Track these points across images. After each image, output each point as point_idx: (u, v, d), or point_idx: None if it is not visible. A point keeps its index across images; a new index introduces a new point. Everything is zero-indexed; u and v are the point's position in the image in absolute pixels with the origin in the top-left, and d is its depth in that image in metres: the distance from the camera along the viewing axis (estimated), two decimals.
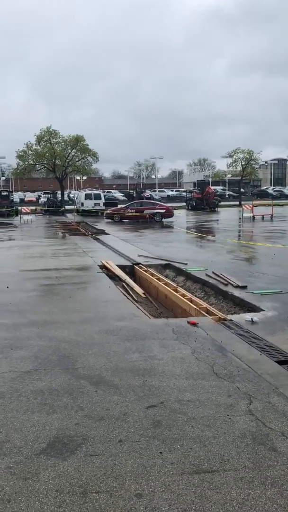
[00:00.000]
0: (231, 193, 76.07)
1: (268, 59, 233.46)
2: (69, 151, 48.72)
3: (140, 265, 12.96)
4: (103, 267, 12.57)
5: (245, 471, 3.38)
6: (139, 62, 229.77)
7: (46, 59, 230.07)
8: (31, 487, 3.20)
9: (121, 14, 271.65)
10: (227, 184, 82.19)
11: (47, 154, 47.29)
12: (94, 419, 4.15)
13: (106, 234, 23.33)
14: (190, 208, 45.85)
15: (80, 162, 50.46)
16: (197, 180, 52.25)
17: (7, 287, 9.97)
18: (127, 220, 32.02)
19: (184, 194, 68.92)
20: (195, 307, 8.41)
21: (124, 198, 65.31)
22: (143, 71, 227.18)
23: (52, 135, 47.62)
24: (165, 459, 3.53)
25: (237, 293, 9.35)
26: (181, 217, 35.90)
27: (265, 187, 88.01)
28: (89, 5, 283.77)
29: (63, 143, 48.39)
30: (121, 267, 12.58)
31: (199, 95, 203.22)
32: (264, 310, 7.96)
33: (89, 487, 3.20)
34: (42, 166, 49.92)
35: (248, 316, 7.59)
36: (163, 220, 31.19)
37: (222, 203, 51.84)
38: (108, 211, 34.29)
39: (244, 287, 9.72)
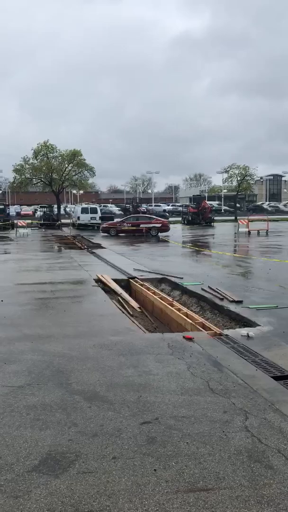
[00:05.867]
0: (226, 208, 76.53)
1: (243, 81, 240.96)
2: (66, 165, 48.93)
3: (136, 279, 12.92)
4: (98, 281, 12.53)
5: (241, 489, 3.32)
6: (125, 82, 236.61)
7: (34, 78, 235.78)
8: (22, 505, 3.12)
9: (105, 37, 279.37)
10: (222, 199, 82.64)
11: (44, 168, 47.48)
12: (88, 435, 4.08)
13: (102, 248, 23.31)
14: (186, 222, 46.01)
15: (76, 176, 50.67)
16: (193, 195, 52.58)
17: (1, 301, 9.89)
18: (123, 234, 32.03)
19: (180, 208, 69.20)
20: (190, 321, 8.36)
21: (120, 212, 65.49)
22: (130, 91, 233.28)
23: (49, 149, 47.87)
24: (160, 477, 3.46)
25: (232, 307, 9.32)
26: (177, 231, 36.01)
27: (260, 202, 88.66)
28: (74, 28, 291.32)
29: (60, 158, 48.62)
30: (117, 281, 12.54)
31: (185, 114, 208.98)
32: (260, 325, 7.93)
33: (82, 506, 3.13)
34: (39, 180, 50.07)
35: (243, 331, 7.55)
36: (159, 234, 31.23)
37: (218, 218, 52.05)
38: (104, 225, 34.32)
39: (239, 302, 9.70)
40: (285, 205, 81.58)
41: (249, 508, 3.11)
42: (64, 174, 48.90)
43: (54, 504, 3.13)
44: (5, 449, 3.84)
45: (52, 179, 48.35)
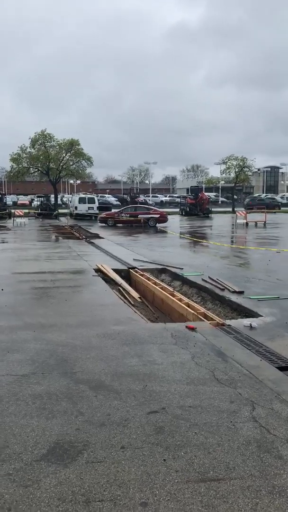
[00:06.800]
0: (224, 199, 76.39)
1: (240, 73, 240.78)
2: (64, 154, 48.63)
3: (136, 269, 12.87)
4: (98, 271, 12.46)
5: (252, 479, 3.30)
6: (122, 73, 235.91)
7: (30, 67, 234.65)
8: (32, 495, 3.08)
9: (102, 27, 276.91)
10: (220, 190, 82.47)
11: (41, 157, 47.17)
12: (95, 424, 4.04)
13: (100, 238, 23.23)
14: (183, 213, 45.93)
15: (74, 166, 50.39)
16: (191, 186, 52.40)
17: (2, 289, 9.83)
18: (121, 225, 31.95)
19: (177, 199, 68.96)
20: (192, 311, 8.33)
21: (118, 202, 65.23)
22: (127, 82, 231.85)
23: (47, 138, 47.52)
24: (170, 467, 3.43)
25: (234, 298, 9.30)
26: (175, 222, 35.92)
27: (257, 194, 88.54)
28: (71, 18, 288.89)
29: (57, 147, 48.30)
30: (117, 271, 12.49)
31: (181, 105, 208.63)
32: (262, 316, 7.91)
33: (92, 495, 3.09)
34: (36, 170, 49.76)
35: (246, 321, 7.53)
36: (157, 225, 31.16)
37: (215, 209, 51.91)
38: (102, 215, 34.20)
39: (241, 293, 9.67)
40: (282, 197, 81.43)
41: (261, 498, 3.09)
42: (61, 164, 48.59)
43: (64, 494, 3.10)
44: (12, 438, 3.80)
45: (50, 168, 48.05)
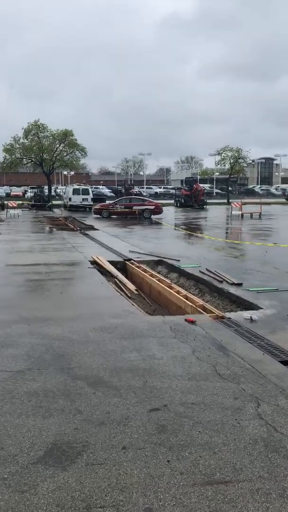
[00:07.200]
0: (218, 191, 76.12)
1: (231, 64, 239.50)
2: (57, 145, 48.10)
3: (132, 261, 12.66)
4: (94, 263, 12.25)
5: (261, 481, 3.13)
6: (114, 63, 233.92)
7: (23, 57, 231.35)
8: (29, 501, 2.89)
9: (95, 16, 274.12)
10: (214, 182, 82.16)
11: (35, 148, 46.62)
12: (94, 423, 3.86)
13: (95, 229, 22.97)
14: (178, 205, 45.65)
15: (68, 157, 49.87)
16: (186, 178, 52.11)
17: None
18: (115, 216, 31.65)
19: (172, 191, 68.63)
20: (191, 304, 8.15)
21: (112, 194, 64.73)
22: (119, 72, 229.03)
23: (40, 129, 46.94)
24: (174, 469, 3.26)
25: (233, 290, 9.13)
26: (170, 214, 35.66)
27: (252, 186, 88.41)
28: (63, 7, 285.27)
29: (51, 137, 47.75)
30: (112, 263, 12.28)
31: (175, 96, 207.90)
32: (262, 308, 7.75)
33: (93, 500, 2.91)
34: (30, 160, 49.20)
35: (246, 314, 7.36)
36: (152, 216, 30.89)
37: (210, 200, 51.62)
38: (96, 207, 33.86)
39: (239, 285, 9.51)
40: (276, 189, 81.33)
41: (271, 502, 2.92)
42: (55, 154, 48.08)
43: (63, 499, 2.91)
44: (7, 439, 3.60)
45: (43, 159, 47.53)
